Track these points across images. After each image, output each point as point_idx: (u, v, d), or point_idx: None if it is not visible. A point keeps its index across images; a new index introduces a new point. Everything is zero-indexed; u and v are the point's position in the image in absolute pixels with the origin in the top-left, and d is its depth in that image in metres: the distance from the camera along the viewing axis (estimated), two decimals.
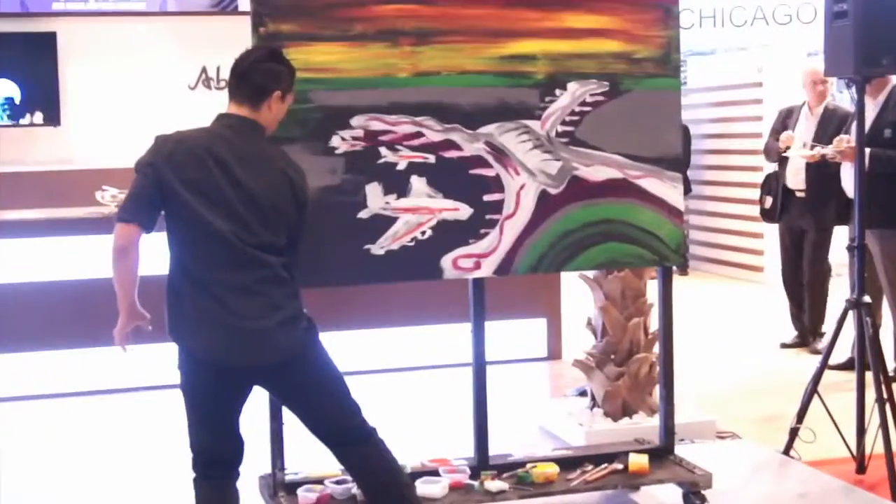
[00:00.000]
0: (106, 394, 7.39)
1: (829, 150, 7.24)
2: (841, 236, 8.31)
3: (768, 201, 8.53)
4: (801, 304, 8.63)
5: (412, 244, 4.84)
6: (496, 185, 4.93)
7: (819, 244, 8.45)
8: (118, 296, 4.01)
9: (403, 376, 7.81)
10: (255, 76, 4.10)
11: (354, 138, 4.76)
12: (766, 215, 8.66)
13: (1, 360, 7.35)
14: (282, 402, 4.30)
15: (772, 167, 8.76)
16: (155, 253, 4.13)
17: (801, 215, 8.39)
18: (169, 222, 3.99)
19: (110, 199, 7.69)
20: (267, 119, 4.12)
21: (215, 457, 4.16)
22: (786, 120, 8.50)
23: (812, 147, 7.85)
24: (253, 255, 3.96)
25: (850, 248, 5.74)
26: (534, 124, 4.97)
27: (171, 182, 3.92)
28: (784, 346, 8.60)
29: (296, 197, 4.07)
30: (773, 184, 8.53)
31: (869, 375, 5.51)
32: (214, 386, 4.07)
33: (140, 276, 4.00)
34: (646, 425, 5.98)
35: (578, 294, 7.15)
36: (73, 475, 5.97)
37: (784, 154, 8.20)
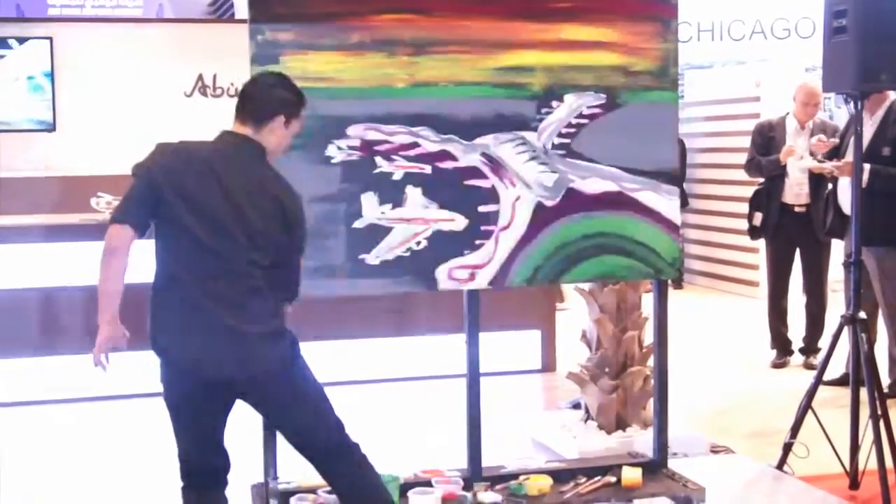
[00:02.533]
0: (99, 400, 7.36)
1: (827, 165, 7.21)
2: (837, 252, 8.32)
3: (758, 218, 8.47)
4: (785, 321, 8.60)
5: (407, 254, 4.83)
6: (492, 196, 4.92)
7: (818, 260, 8.41)
8: (101, 305, 3.98)
9: (397, 387, 7.79)
10: (260, 99, 4.12)
11: (351, 148, 4.75)
12: (755, 232, 8.57)
13: None
14: (264, 416, 4.31)
15: (756, 182, 8.72)
16: (139, 260, 4.10)
17: (799, 231, 8.33)
18: (158, 229, 4.00)
19: (105, 205, 7.69)
20: (269, 142, 4.13)
21: (201, 467, 4.17)
22: (769, 134, 8.43)
23: (819, 160, 7.80)
24: (239, 269, 3.98)
25: (846, 265, 5.72)
26: (530, 136, 4.96)
27: (165, 189, 3.93)
28: (775, 366, 8.55)
29: (286, 221, 4.06)
30: (762, 200, 8.47)
31: (863, 391, 5.50)
32: (197, 398, 4.08)
33: (124, 283, 3.98)
34: (639, 438, 5.96)
35: (573, 306, 7.13)
36: (66, 482, 5.95)
37: (786, 166, 8.15)
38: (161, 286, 4.02)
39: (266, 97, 4.13)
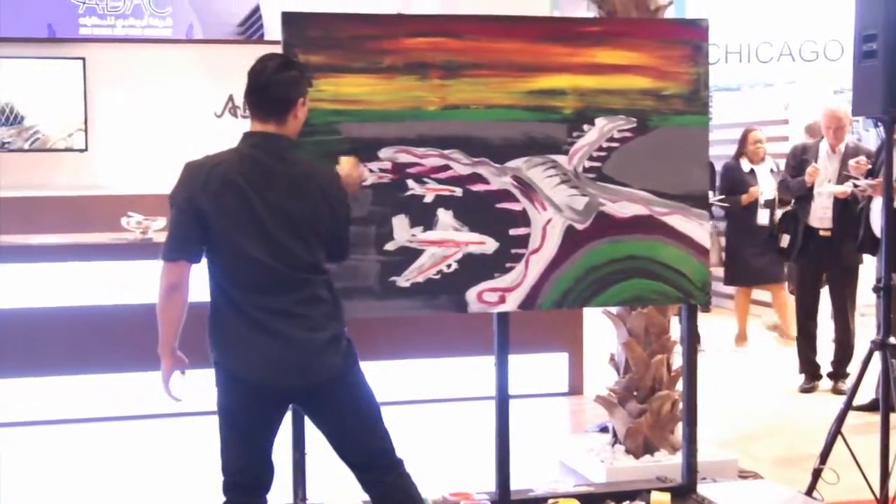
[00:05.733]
0: (130, 420, 7.38)
1: (863, 182, 7.22)
2: (867, 276, 8.30)
3: (785, 240, 8.50)
4: (813, 344, 8.58)
5: (438, 277, 4.85)
6: (522, 219, 4.94)
7: (844, 284, 8.42)
8: (162, 336, 4.00)
9: (425, 408, 7.80)
10: (276, 89, 4.03)
11: (382, 170, 4.77)
12: (783, 254, 8.62)
13: (25, 384, 7.37)
14: (315, 421, 4.24)
15: (782, 204, 8.76)
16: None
17: (824, 255, 8.34)
18: (208, 250, 3.98)
19: (136, 225, 7.73)
20: (293, 128, 4.08)
21: (246, 479, 4.12)
22: (802, 157, 8.46)
23: (846, 179, 7.85)
24: (293, 278, 3.96)
25: (876, 289, 5.69)
26: (561, 159, 4.98)
27: (208, 212, 3.90)
28: (804, 390, 8.53)
29: (333, 210, 4.05)
30: (790, 222, 8.50)
31: (894, 417, 5.47)
32: (252, 405, 4.04)
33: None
34: (668, 463, 5.94)
35: (601, 329, 7.13)
36: (96, 501, 5.96)
37: (813, 189, 8.18)
38: (218, 303, 4.01)
39: (280, 87, 4.03)
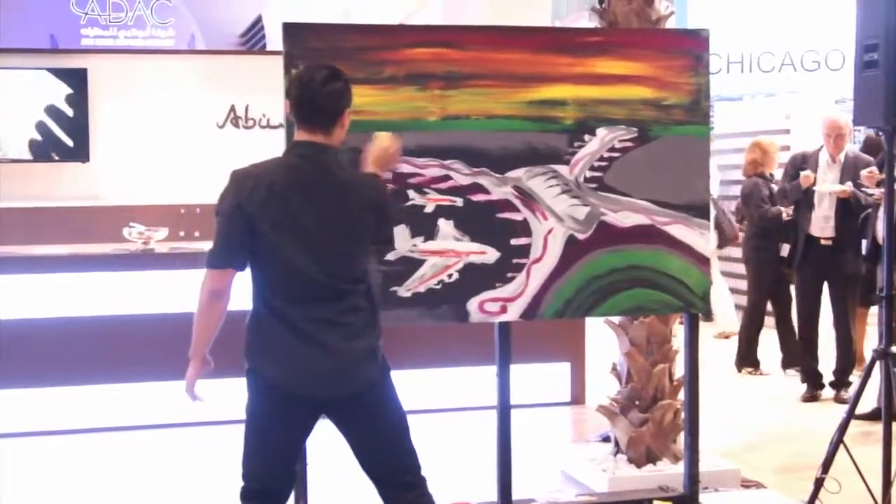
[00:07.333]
0: (132, 430, 7.37)
1: (877, 192, 7.24)
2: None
3: (785, 249, 8.50)
4: (815, 354, 8.57)
5: (439, 287, 4.85)
6: (523, 229, 4.94)
7: (845, 293, 8.41)
8: (195, 342, 3.99)
9: (427, 418, 7.78)
10: (325, 100, 4.01)
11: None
12: (783, 263, 8.61)
13: (25, 395, 7.36)
14: (344, 432, 4.19)
15: (781, 214, 8.75)
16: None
17: (825, 264, 8.33)
18: (254, 260, 3.96)
19: (137, 235, 7.73)
20: (339, 138, 4.06)
21: (267, 488, 4.08)
22: (801, 166, 8.46)
23: (866, 191, 7.85)
24: (337, 288, 3.96)
25: (878, 298, 5.69)
26: (562, 169, 4.98)
27: (257, 222, 3.90)
28: (806, 399, 8.52)
29: (378, 215, 4.08)
30: (790, 231, 8.50)
31: None
32: (286, 414, 4.02)
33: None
34: (670, 472, 5.94)
35: (603, 339, 7.13)
36: None
37: (812, 187, 8.17)
38: (260, 312, 3.99)
39: (328, 98, 4.01)
